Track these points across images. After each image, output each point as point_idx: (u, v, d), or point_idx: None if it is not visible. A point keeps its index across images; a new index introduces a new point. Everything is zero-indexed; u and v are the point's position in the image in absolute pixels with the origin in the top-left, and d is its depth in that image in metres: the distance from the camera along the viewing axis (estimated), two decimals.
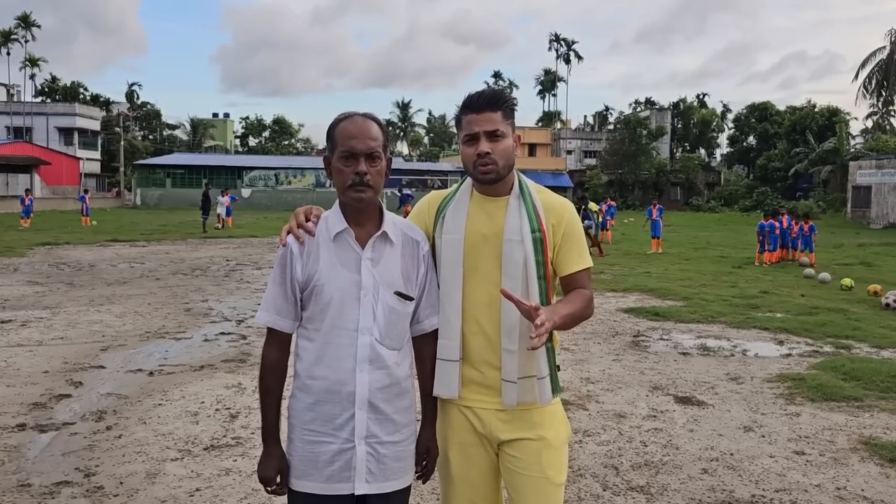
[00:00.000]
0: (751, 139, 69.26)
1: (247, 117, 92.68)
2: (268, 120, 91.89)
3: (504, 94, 2.22)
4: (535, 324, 1.91)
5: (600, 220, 22.50)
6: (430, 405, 2.26)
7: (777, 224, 17.91)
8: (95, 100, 76.32)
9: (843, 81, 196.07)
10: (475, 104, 2.17)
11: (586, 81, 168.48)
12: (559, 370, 2.29)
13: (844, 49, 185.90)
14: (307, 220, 2.13)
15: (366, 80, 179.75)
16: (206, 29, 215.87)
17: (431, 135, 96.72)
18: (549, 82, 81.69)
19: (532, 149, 64.39)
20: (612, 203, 28.08)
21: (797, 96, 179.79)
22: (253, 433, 4.88)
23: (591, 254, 2.31)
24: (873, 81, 50.74)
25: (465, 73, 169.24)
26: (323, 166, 2.22)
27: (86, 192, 33.92)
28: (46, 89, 74.18)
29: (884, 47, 49.76)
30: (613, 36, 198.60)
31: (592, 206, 22.14)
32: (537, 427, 2.21)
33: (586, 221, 20.52)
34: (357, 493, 2.06)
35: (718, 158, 78.94)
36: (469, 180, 2.29)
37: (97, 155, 66.80)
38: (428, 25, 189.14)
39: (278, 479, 2.11)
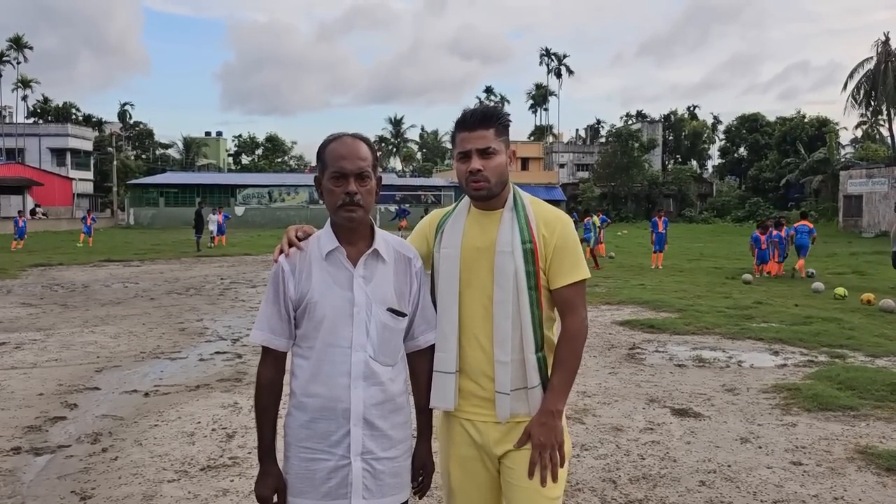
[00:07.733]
0: (742, 150, 69.65)
1: (239, 135, 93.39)
2: (260, 138, 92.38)
3: (496, 111, 2.24)
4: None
5: (597, 233, 22.11)
6: (426, 420, 2.27)
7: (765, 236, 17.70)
8: (88, 120, 76.28)
9: (837, 92, 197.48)
10: (468, 122, 2.21)
11: (578, 95, 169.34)
12: None
13: (844, 60, 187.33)
14: (298, 238, 2.15)
15: (364, 97, 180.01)
16: (199, 48, 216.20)
17: (424, 150, 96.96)
18: (540, 97, 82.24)
19: (524, 163, 64.63)
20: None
21: (796, 107, 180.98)
22: (250, 453, 4.86)
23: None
24: (861, 91, 51.09)
25: (464, 89, 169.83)
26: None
27: (89, 212, 34.23)
28: (38, 110, 74.19)
29: (871, 58, 50.17)
30: (605, 50, 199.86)
31: (595, 220, 21.77)
32: None
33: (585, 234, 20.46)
34: None
35: (710, 170, 79.29)
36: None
37: (90, 175, 66.72)
38: (430, 41, 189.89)
39: (275, 498, 2.11)
